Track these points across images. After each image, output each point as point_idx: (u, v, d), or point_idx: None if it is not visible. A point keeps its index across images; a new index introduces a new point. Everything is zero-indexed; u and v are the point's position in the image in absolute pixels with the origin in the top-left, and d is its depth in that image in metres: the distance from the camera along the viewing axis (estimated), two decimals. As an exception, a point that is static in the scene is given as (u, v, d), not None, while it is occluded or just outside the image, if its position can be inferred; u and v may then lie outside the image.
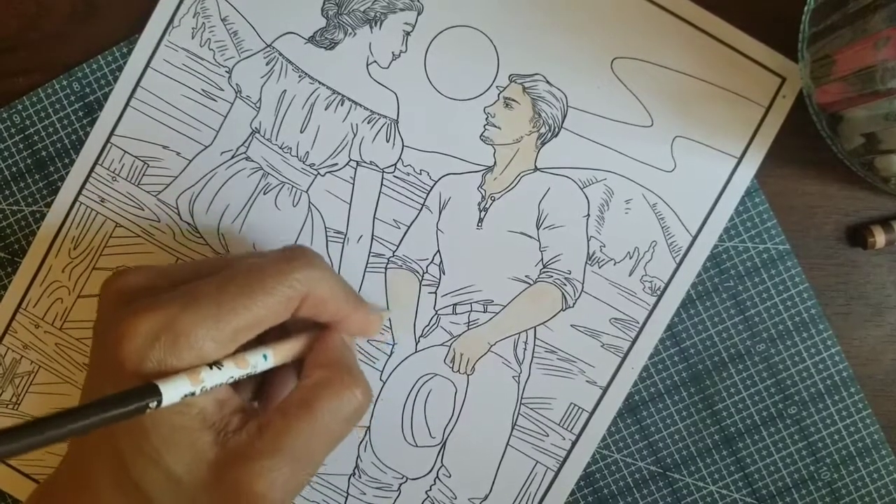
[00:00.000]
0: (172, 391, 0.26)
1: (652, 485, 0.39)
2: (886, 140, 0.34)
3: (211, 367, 0.27)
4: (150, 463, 0.27)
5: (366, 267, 0.40)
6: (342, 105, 0.39)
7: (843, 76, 0.34)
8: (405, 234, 0.39)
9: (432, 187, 0.39)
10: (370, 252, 0.40)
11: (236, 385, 0.34)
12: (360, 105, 0.39)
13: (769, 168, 0.39)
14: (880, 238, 0.38)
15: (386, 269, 0.40)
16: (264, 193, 0.40)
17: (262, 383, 0.34)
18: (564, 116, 0.39)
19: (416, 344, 0.39)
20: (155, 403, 0.25)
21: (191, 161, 0.40)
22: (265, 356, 0.29)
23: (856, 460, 0.38)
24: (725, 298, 0.39)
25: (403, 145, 0.39)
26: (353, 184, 0.40)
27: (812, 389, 0.39)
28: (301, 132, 0.40)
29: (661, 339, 0.39)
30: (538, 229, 0.39)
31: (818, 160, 0.38)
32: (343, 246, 0.40)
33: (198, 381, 0.26)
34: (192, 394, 0.26)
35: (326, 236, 0.40)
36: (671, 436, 0.39)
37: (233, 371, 0.28)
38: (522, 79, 0.39)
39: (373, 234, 0.39)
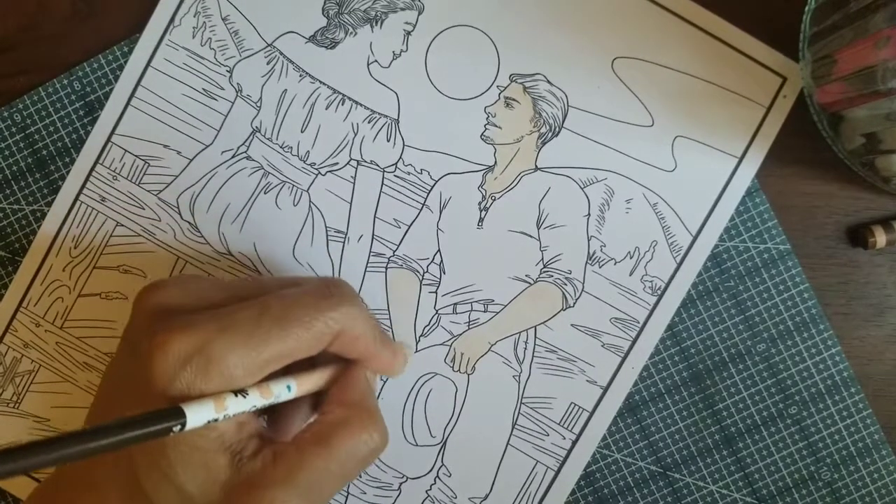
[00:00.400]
0: (197, 416, 0.26)
1: (652, 484, 0.39)
2: (887, 140, 0.34)
3: (236, 395, 0.27)
4: (164, 479, 0.27)
5: (366, 266, 0.40)
6: (343, 104, 0.39)
7: (844, 76, 0.34)
8: (406, 233, 0.39)
9: (433, 187, 0.39)
10: (371, 251, 0.40)
11: None
12: (361, 104, 0.39)
13: (770, 168, 0.39)
14: (881, 238, 0.38)
15: (386, 268, 0.40)
16: (265, 193, 0.40)
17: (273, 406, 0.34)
18: (565, 116, 0.39)
19: (417, 343, 0.39)
20: (179, 427, 0.25)
21: (191, 160, 0.40)
22: (289, 387, 0.29)
23: (856, 460, 0.38)
24: (726, 298, 0.39)
25: (404, 145, 0.39)
26: (354, 183, 0.40)
27: (812, 389, 0.39)
28: (302, 131, 0.40)
29: (662, 338, 0.39)
30: (539, 229, 0.39)
31: (819, 160, 0.38)
32: (343, 245, 0.40)
33: (222, 407, 0.26)
34: (216, 420, 0.26)
35: (327, 235, 0.40)
36: (671, 435, 0.39)
37: (256, 400, 0.28)
38: (523, 78, 0.39)
39: (373, 234, 0.39)
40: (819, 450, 0.39)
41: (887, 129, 0.34)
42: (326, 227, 0.40)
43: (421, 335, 0.39)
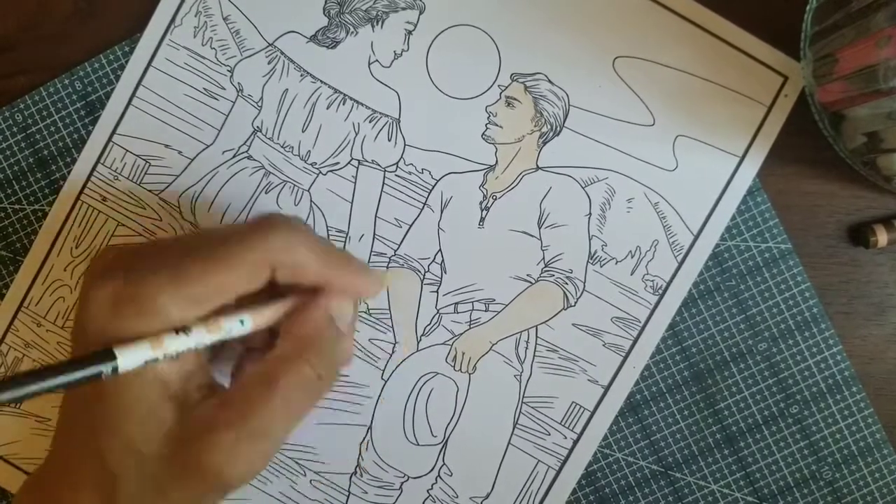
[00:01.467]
0: (130, 357, 0.25)
1: (653, 483, 0.39)
2: (888, 139, 0.34)
3: (177, 333, 0.26)
4: (113, 434, 0.27)
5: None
6: (344, 104, 0.39)
7: (846, 75, 0.34)
8: (407, 232, 0.39)
9: (434, 186, 0.39)
10: (372, 251, 0.40)
11: (218, 358, 0.33)
12: (362, 104, 0.39)
13: (771, 167, 0.39)
14: (882, 237, 0.38)
15: (388, 268, 0.40)
16: (266, 192, 0.40)
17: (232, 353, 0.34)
18: (566, 115, 0.39)
19: (418, 343, 0.39)
20: (110, 370, 0.24)
21: (192, 160, 0.40)
22: (242, 321, 0.28)
23: (857, 459, 0.38)
24: (727, 297, 0.39)
25: (405, 144, 0.39)
26: (355, 183, 0.40)
27: (814, 388, 0.39)
28: (303, 131, 0.40)
29: (663, 337, 0.39)
30: (540, 228, 0.39)
31: (820, 159, 0.38)
32: (345, 245, 0.40)
33: (160, 346, 0.26)
34: (155, 360, 0.26)
35: (328, 235, 0.40)
36: (672, 435, 0.39)
37: (203, 336, 0.27)
38: (524, 78, 0.39)
39: (374, 233, 0.39)
40: (820, 449, 0.39)
41: (889, 127, 0.34)
42: (327, 226, 0.40)
43: (422, 335, 0.39)
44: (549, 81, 0.39)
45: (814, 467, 0.39)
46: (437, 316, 0.39)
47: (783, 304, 0.39)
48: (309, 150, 0.39)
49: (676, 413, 0.39)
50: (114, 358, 0.25)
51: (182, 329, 0.27)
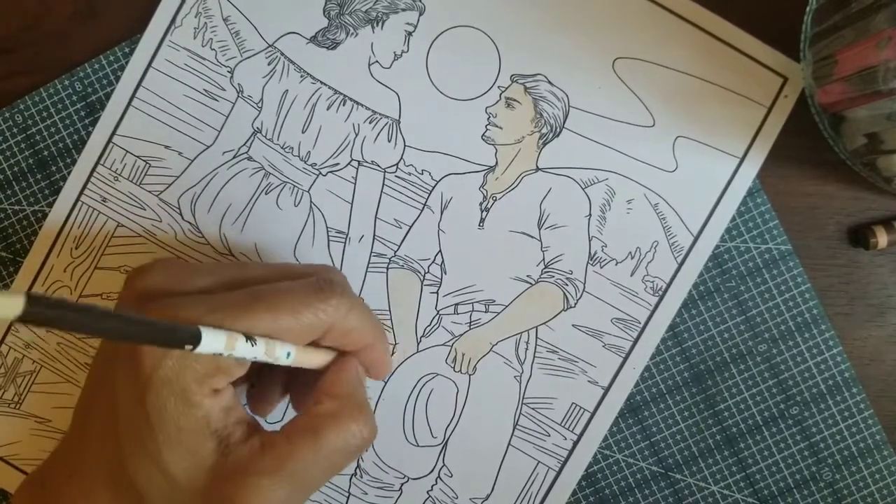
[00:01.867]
0: (211, 339, 0.26)
1: (654, 485, 0.39)
2: (888, 140, 0.34)
3: (246, 340, 0.27)
4: (150, 461, 0.27)
5: (367, 267, 0.40)
6: (344, 105, 0.39)
7: (845, 76, 0.34)
8: (407, 233, 0.39)
9: (434, 187, 0.39)
10: (372, 252, 0.40)
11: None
12: (362, 105, 0.39)
13: (771, 168, 0.39)
14: (882, 238, 0.38)
15: (387, 268, 0.40)
16: (266, 193, 0.40)
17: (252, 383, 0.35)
18: (566, 116, 0.39)
19: (418, 344, 0.39)
20: (191, 347, 0.25)
21: (192, 161, 0.40)
22: (289, 353, 0.29)
23: (858, 461, 0.38)
24: (727, 298, 0.39)
25: (405, 145, 0.39)
26: (355, 184, 0.40)
27: (814, 390, 0.39)
28: (303, 132, 0.40)
29: (663, 338, 0.39)
30: (540, 229, 0.39)
31: (820, 160, 0.38)
32: (344, 246, 0.40)
33: (232, 346, 0.26)
34: (221, 354, 0.26)
35: (328, 236, 0.40)
36: (673, 436, 0.39)
37: (261, 353, 0.28)
38: (524, 79, 0.39)
39: (374, 234, 0.39)
40: (820, 450, 0.39)
41: (888, 129, 0.34)
42: (327, 227, 0.40)
43: (422, 336, 0.39)
44: (549, 82, 0.39)
45: (814, 468, 0.39)
46: (436, 317, 0.39)
47: (783, 306, 0.39)
48: (309, 151, 0.39)
49: (676, 414, 0.39)
50: (199, 337, 0.25)
51: (250, 338, 0.27)
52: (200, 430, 0.27)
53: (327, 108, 0.39)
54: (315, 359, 0.31)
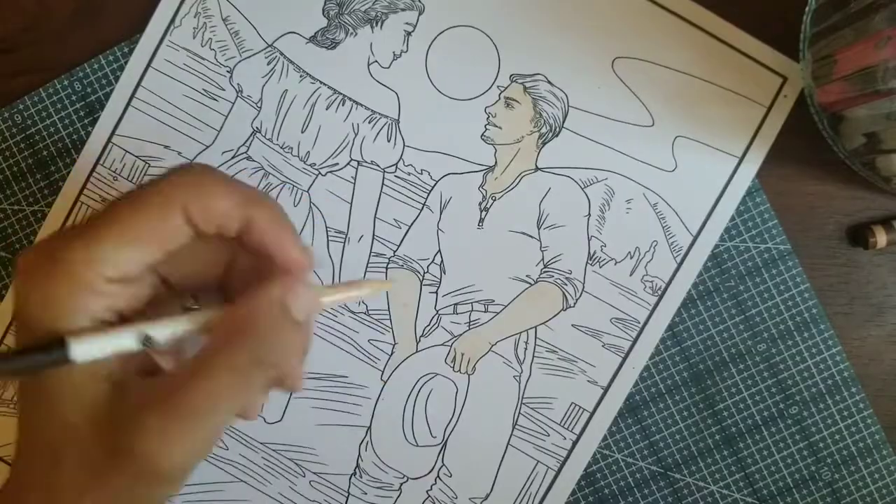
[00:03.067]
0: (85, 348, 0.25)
1: (653, 484, 0.39)
2: (888, 140, 0.34)
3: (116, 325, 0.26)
4: (50, 412, 0.26)
5: (367, 266, 0.40)
6: (343, 105, 0.39)
7: (845, 76, 0.34)
8: (406, 233, 0.39)
9: (433, 187, 0.39)
10: (371, 252, 0.40)
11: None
12: (361, 105, 0.39)
13: (770, 168, 0.39)
14: (881, 238, 0.38)
15: (387, 268, 0.40)
16: None
17: None
18: (566, 116, 0.39)
19: (417, 343, 0.39)
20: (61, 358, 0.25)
21: (192, 161, 0.40)
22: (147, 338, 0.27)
23: (857, 460, 0.38)
24: (726, 298, 0.39)
25: (404, 145, 0.39)
26: (354, 183, 0.40)
27: (813, 389, 0.39)
28: (302, 132, 0.40)
29: (662, 338, 0.39)
30: (539, 229, 0.39)
31: (819, 160, 0.38)
32: (344, 246, 0.40)
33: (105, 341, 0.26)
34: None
35: (328, 236, 0.40)
36: (672, 436, 0.39)
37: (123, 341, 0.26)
38: (523, 79, 0.39)
39: (374, 234, 0.39)
40: (820, 450, 0.39)
41: (887, 128, 0.34)
42: (327, 227, 0.40)
43: (421, 335, 0.39)
44: (549, 82, 0.39)
45: (813, 468, 0.39)
46: (436, 317, 0.39)
47: (782, 305, 0.39)
48: (308, 151, 0.40)
49: (676, 414, 0.39)
50: (66, 355, 0.25)
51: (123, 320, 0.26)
52: (89, 377, 0.26)
53: (326, 108, 0.39)
54: (181, 324, 0.28)
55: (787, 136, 0.38)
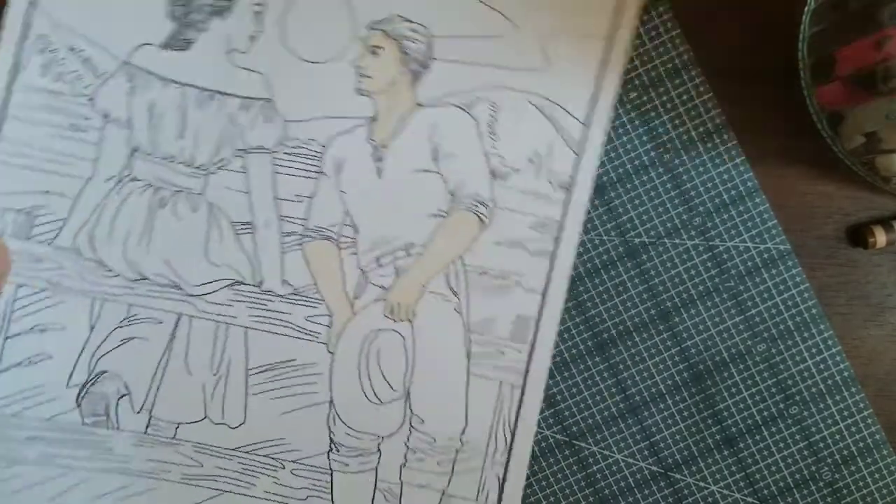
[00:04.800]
0: None
1: (653, 485, 0.39)
2: (887, 139, 0.34)
3: None
4: None
5: (282, 249, 0.39)
6: (213, 100, 0.39)
7: (844, 76, 0.34)
8: (309, 205, 0.39)
9: (323, 153, 0.39)
10: (281, 233, 0.39)
11: None
12: (231, 94, 0.39)
13: (770, 168, 0.39)
14: (881, 238, 0.38)
15: (302, 244, 0.39)
16: (161, 207, 0.39)
17: None
18: (431, 48, 0.39)
19: (352, 307, 0.39)
20: None
21: (77, 198, 0.39)
22: None
23: (857, 460, 0.38)
24: (726, 298, 0.39)
25: (284, 121, 0.39)
26: (247, 173, 0.39)
27: (813, 389, 0.39)
28: (180, 138, 0.39)
29: (662, 338, 0.39)
30: (437, 162, 0.39)
31: (819, 160, 0.38)
32: (254, 235, 0.39)
33: None
34: None
35: (234, 231, 0.39)
36: (672, 436, 0.39)
37: None
38: (381, 24, 0.39)
39: (279, 216, 0.39)
40: (820, 450, 0.39)
41: (887, 128, 0.34)
42: (232, 222, 0.39)
43: (354, 298, 0.39)
44: (406, 19, 0.39)
45: (813, 468, 0.39)
46: (362, 276, 0.39)
47: (782, 305, 0.39)
48: (192, 155, 0.39)
49: (676, 414, 0.39)
50: None
51: None
52: None
53: (198, 108, 0.39)
54: None
55: (786, 137, 0.38)
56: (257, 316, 0.39)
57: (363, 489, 0.39)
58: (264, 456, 0.39)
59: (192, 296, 0.39)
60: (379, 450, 0.39)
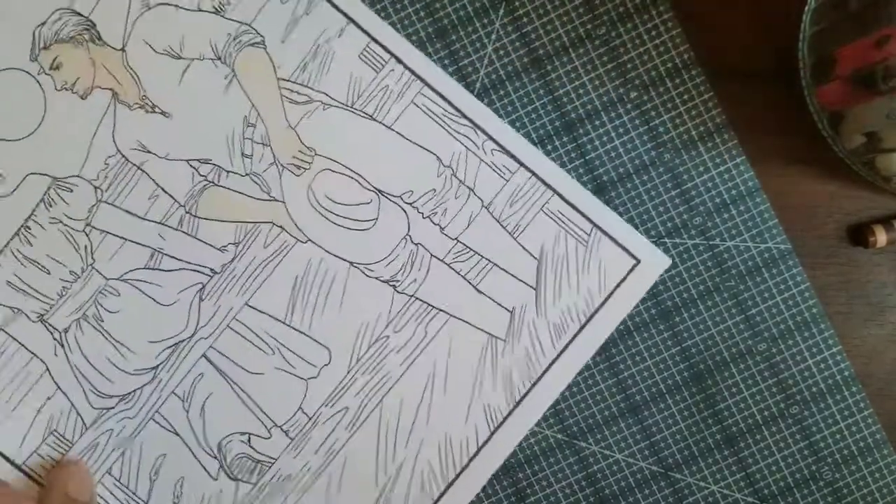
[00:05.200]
0: None
1: (654, 485, 0.39)
2: (887, 139, 0.34)
3: None
4: None
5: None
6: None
7: (844, 75, 0.34)
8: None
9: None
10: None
11: None
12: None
13: (770, 167, 0.39)
14: (881, 237, 0.38)
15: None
16: None
17: None
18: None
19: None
20: None
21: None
22: None
23: (857, 460, 0.38)
24: (727, 298, 0.39)
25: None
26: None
27: (813, 389, 0.39)
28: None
29: (662, 338, 0.39)
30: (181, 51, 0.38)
31: (819, 159, 0.38)
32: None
33: None
34: None
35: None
36: (673, 436, 0.39)
37: None
38: (46, 35, 0.37)
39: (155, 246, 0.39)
40: (820, 449, 0.39)
41: (887, 127, 0.34)
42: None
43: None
44: (74, 12, 0.37)
45: (814, 468, 0.39)
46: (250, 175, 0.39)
47: (783, 305, 0.39)
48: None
49: (676, 414, 0.39)
50: None
51: None
52: None
53: None
54: None
55: (787, 136, 0.38)
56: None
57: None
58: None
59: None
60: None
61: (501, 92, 0.39)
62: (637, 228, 0.39)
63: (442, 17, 0.38)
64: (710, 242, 0.39)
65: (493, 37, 0.39)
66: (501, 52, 0.39)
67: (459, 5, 0.38)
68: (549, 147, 0.39)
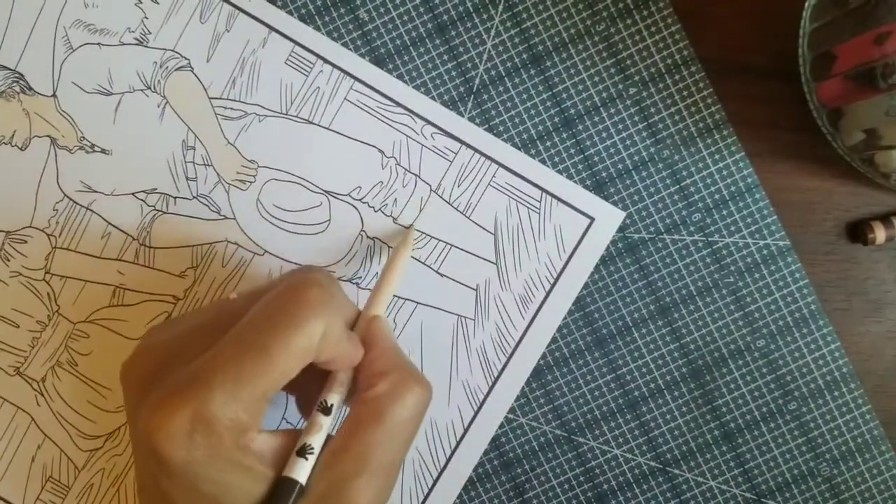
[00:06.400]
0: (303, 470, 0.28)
1: (651, 480, 0.39)
2: (887, 135, 0.34)
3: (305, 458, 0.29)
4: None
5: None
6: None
7: (844, 72, 0.34)
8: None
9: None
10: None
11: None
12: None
13: (769, 164, 0.39)
14: (880, 234, 0.38)
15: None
16: None
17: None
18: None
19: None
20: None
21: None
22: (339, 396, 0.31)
23: (855, 456, 0.38)
24: (725, 294, 0.39)
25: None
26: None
27: (812, 385, 0.39)
28: None
29: (661, 334, 0.39)
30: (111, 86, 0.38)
31: (818, 156, 0.38)
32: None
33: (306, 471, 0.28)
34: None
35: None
36: (671, 431, 0.39)
37: (319, 440, 0.29)
38: None
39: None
40: (818, 445, 0.39)
41: (887, 124, 0.34)
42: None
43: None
44: (1, 66, 0.38)
45: (812, 464, 0.39)
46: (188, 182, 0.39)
47: (781, 301, 0.39)
48: None
49: (675, 409, 0.39)
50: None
51: (305, 451, 0.29)
52: (265, 480, 0.28)
53: None
54: (342, 388, 0.31)
55: (786, 133, 0.38)
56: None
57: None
58: None
59: None
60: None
61: (500, 88, 0.39)
62: (636, 224, 0.39)
63: (441, 13, 0.38)
64: (709, 239, 0.39)
65: (493, 33, 0.39)
66: (501, 49, 0.39)
67: (458, 1, 0.38)
68: (549, 143, 0.39)
